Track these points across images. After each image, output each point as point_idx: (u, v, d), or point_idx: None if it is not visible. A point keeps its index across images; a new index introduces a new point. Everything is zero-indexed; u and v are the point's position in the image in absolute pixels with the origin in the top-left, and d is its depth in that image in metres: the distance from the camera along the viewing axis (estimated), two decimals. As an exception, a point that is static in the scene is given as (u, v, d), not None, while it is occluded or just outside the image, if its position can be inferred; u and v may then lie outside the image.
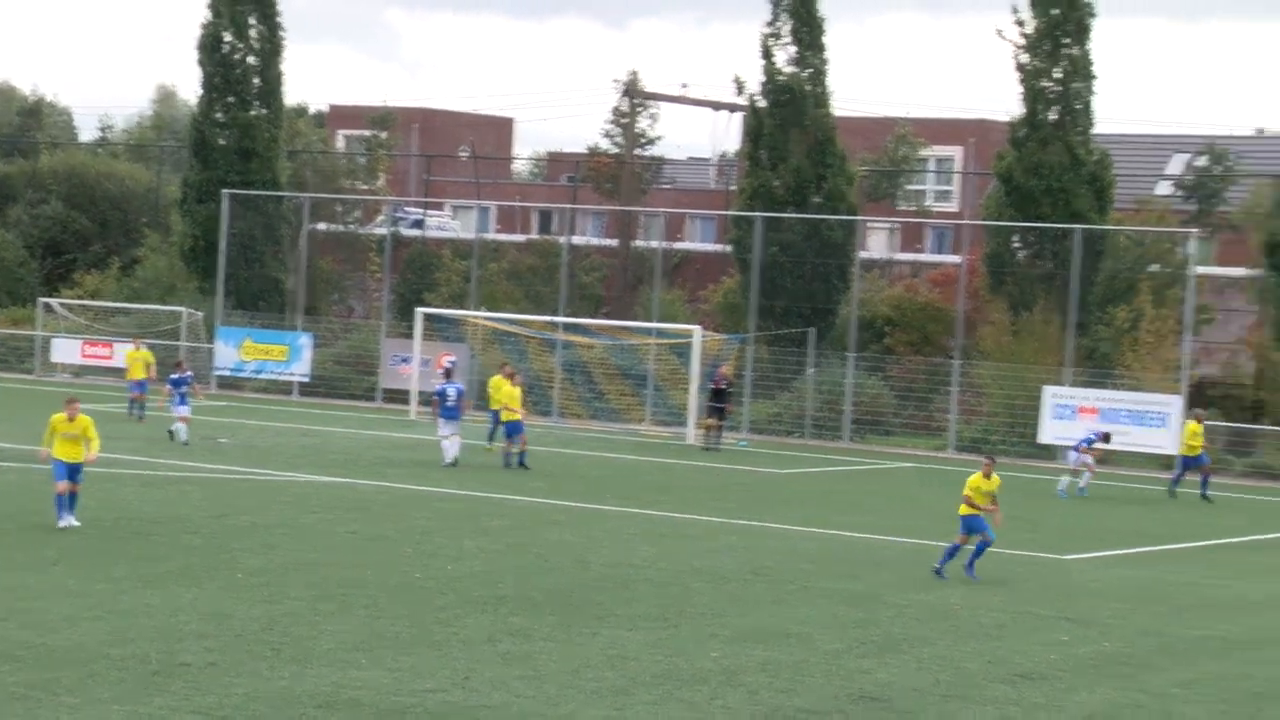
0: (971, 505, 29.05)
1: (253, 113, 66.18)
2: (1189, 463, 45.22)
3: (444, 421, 42.07)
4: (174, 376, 44.57)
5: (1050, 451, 52.59)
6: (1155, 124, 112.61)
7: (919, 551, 31.98)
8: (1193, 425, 45.14)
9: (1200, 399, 54.69)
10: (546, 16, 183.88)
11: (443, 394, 42.66)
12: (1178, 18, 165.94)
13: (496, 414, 44.73)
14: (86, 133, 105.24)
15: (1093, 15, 56.85)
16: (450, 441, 41.79)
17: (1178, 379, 52.61)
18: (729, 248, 63.72)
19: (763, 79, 59.97)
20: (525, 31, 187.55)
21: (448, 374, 45.99)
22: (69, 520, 28.29)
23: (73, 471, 28.41)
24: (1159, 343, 54.24)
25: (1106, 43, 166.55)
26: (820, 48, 60.02)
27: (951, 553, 28.92)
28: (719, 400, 52.08)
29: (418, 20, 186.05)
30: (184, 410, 43.35)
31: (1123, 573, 31.16)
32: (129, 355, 51.70)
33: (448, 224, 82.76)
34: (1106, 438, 45.63)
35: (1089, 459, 44.05)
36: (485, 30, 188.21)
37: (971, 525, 29.02)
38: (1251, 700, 20.81)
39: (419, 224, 75.87)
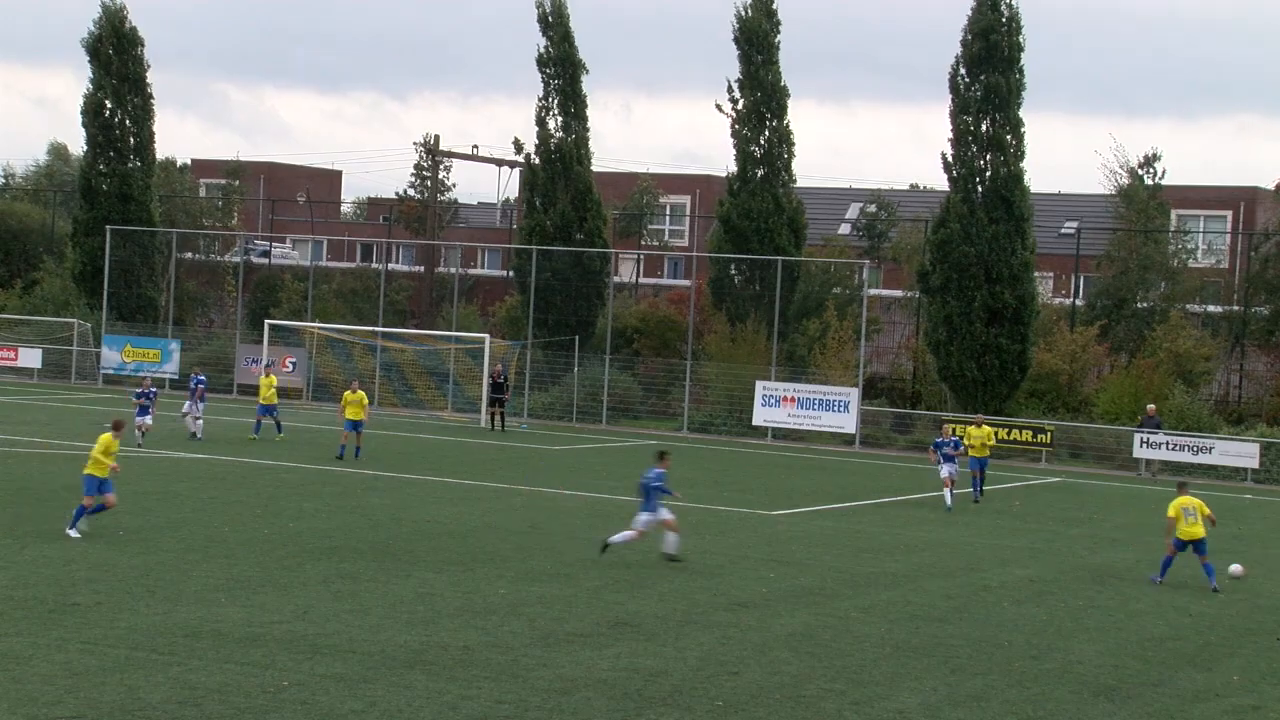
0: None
1: (129, 165, 64.76)
2: (979, 464, 37.12)
3: (199, 405, 41.81)
4: (138, 391, 41.20)
5: (759, 431, 53.18)
6: (837, 179, 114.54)
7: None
8: (978, 430, 37.77)
9: (873, 389, 55.71)
10: (346, 90, 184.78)
11: (203, 382, 42.46)
12: (826, 102, 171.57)
13: (267, 408, 43.23)
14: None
15: (788, 96, 57.63)
16: (199, 421, 41.42)
17: (855, 375, 53.52)
18: (511, 273, 63.56)
19: (537, 142, 59.89)
20: (331, 103, 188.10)
21: (194, 371, 45.69)
22: (74, 532, 24.30)
23: (104, 485, 24.70)
24: (841, 347, 55.08)
25: (800, 117, 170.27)
26: (583, 118, 60.05)
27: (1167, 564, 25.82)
28: (497, 392, 52.23)
29: (245, 92, 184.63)
30: (146, 420, 39.63)
31: (815, 524, 31.57)
32: None
33: (289, 254, 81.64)
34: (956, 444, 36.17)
35: (949, 472, 34.92)
36: (301, 100, 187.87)
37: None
38: (910, 620, 21.21)
39: (266, 254, 74.83)
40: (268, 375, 44.92)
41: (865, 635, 19.88)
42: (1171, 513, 25.59)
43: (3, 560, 21.75)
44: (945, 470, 34.88)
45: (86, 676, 15.56)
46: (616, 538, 24.89)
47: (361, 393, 39.93)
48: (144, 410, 40.00)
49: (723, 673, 17.28)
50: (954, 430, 39.04)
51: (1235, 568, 25.95)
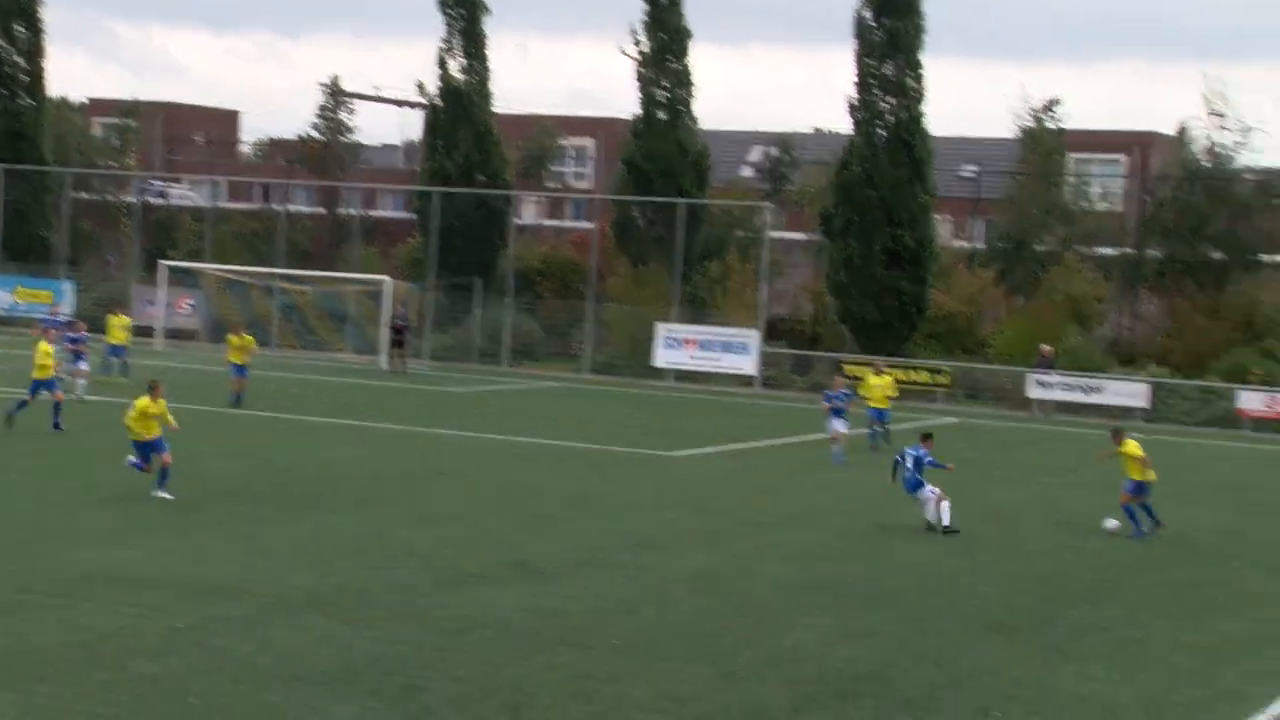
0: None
1: (20, 103, 63.54)
2: (879, 415, 35.48)
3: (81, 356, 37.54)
4: (71, 335, 37.45)
5: (660, 373, 53.31)
6: (739, 122, 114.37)
7: (562, 451, 32.21)
8: (877, 378, 36.08)
9: (774, 332, 55.98)
10: (239, 28, 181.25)
11: (58, 324, 38.42)
12: (726, 43, 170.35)
13: (115, 348, 41.08)
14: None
15: (690, 38, 57.54)
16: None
17: (756, 317, 53.76)
18: (414, 215, 63.20)
19: (439, 84, 59.46)
20: (224, 41, 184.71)
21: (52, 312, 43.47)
22: (161, 493, 22.85)
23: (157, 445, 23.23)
24: (742, 289, 55.31)
25: (702, 60, 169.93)
26: (483, 59, 59.69)
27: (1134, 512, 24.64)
28: (398, 334, 52.17)
29: (135, 29, 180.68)
30: (82, 365, 36.72)
31: (715, 465, 31.77)
32: None
33: (187, 195, 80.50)
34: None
35: (839, 426, 32.33)
36: (192, 38, 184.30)
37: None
38: (806, 559, 21.39)
39: (163, 195, 73.77)
40: (117, 315, 42.17)
41: (762, 574, 20.06)
42: (1140, 452, 24.38)
43: (-109, 504, 21.42)
44: (835, 425, 32.16)
45: (-23, 621, 15.36)
46: (931, 517, 23.88)
47: (249, 337, 38.45)
48: (79, 356, 36.98)
49: (620, 612, 17.39)
50: (848, 380, 36.86)
51: (1111, 522, 24.79)
